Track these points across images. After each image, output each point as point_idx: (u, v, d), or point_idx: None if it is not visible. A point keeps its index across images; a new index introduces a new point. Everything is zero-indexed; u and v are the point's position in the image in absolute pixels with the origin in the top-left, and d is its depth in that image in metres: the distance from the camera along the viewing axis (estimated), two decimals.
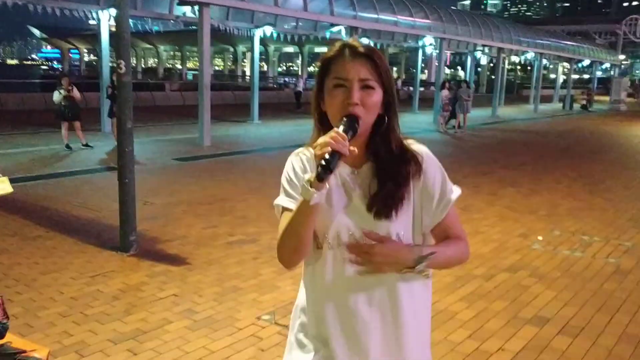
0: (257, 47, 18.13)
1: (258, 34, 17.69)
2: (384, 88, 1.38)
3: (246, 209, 7.06)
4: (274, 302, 4.24)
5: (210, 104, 13.40)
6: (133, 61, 55.43)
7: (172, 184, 8.59)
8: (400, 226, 1.41)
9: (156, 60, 68.63)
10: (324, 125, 1.42)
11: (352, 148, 1.27)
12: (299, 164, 1.47)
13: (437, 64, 24.32)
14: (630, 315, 4.21)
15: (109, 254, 5.23)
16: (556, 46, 32.79)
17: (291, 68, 74.45)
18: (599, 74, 47.78)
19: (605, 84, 48.12)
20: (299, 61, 58.21)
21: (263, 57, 50.20)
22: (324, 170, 1.24)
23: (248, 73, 40.30)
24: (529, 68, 50.44)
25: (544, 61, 34.08)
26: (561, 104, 33.42)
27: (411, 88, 28.42)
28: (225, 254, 5.31)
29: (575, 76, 50.39)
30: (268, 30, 17.78)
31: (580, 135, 18.44)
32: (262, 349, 3.52)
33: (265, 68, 58.19)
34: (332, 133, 1.25)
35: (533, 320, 4.07)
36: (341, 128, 1.30)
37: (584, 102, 33.03)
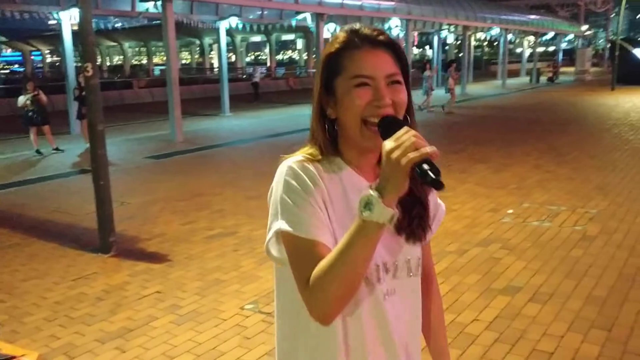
0: (224, 39, 18.03)
1: (223, 25, 17.59)
2: (407, 82, 1.17)
3: (223, 202, 7.13)
4: (257, 292, 4.36)
5: (180, 99, 13.36)
6: (98, 60, 54.53)
7: (147, 182, 8.60)
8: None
9: (122, 57, 67.56)
10: (331, 135, 1.18)
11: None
12: (308, 179, 1.11)
13: (404, 45, 24.47)
14: (595, 279, 4.43)
15: (90, 257, 5.27)
16: (520, 21, 33.23)
17: (259, 57, 73.97)
18: (564, 45, 48.54)
19: (570, 55, 48.96)
20: (267, 50, 57.85)
21: (230, 47, 49.73)
22: (437, 177, 0.95)
23: (216, 65, 40.01)
24: (495, 44, 50.99)
25: (510, 36, 34.52)
26: (528, 78, 33.97)
27: None
28: (205, 248, 5.40)
29: (541, 49, 51.10)
30: (233, 21, 17.70)
31: (547, 108, 18.82)
32: (247, 337, 3.64)
33: (233, 59, 57.75)
34: (410, 131, 0.98)
35: (505, 290, 4.26)
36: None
37: (550, 74, 33.62)
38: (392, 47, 1.14)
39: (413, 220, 1.19)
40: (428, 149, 0.95)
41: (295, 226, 1.08)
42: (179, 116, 13.14)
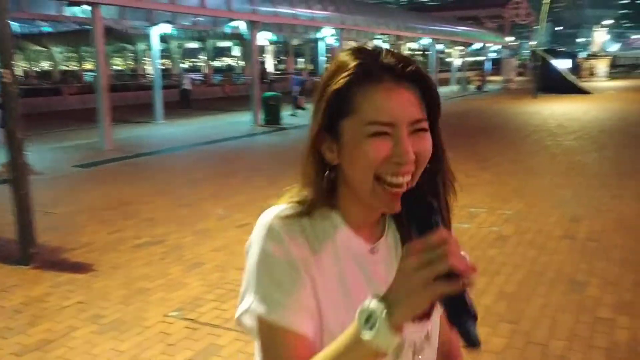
0: (157, 45, 17.76)
1: (155, 31, 17.34)
2: (435, 128, 0.90)
3: (153, 210, 7.05)
4: (183, 299, 4.37)
5: (112, 106, 13.06)
6: (24, 65, 52.16)
7: (74, 191, 8.37)
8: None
9: (51, 62, 64.96)
10: (328, 189, 0.92)
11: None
12: (291, 244, 0.87)
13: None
14: (507, 276, 4.72)
15: (10, 269, 5.11)
16: (449, 32, 34.52)
17: (196, 64, 73.02)
18: (493, 55, 50.73)
19: (498, 65, 51.21)
20: (203, 57, 57.23)
21: (166, 54, 48.85)
22: (473, 330, 0.70)
23: (150, 71, 39.20)
24: (427, 53, 52.59)
25: (440, 46, 35.76)
26: (458, 86, 35.28)
27: (317, 78, 28.93)
28: (132, 257, 5.34)
29: (471, 59, 53.14)
30: (166, 27, 17.48)
31: (474, 116, 19.65)
32: (170, 343, 3.66)
33: (170, 65, 56.71)
34: (446, 240, 0.71)
35: None
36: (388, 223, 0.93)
37: (479, 83, 35.09)
38: (422, 82, 0.86)
39: None
40: (466, 279, 0.69)
41: (270, 308, 0.84)
42: (109, 123, 12.84)
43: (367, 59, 0.86)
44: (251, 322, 0.88)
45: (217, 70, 58.40)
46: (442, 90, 32.96)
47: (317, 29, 22.60)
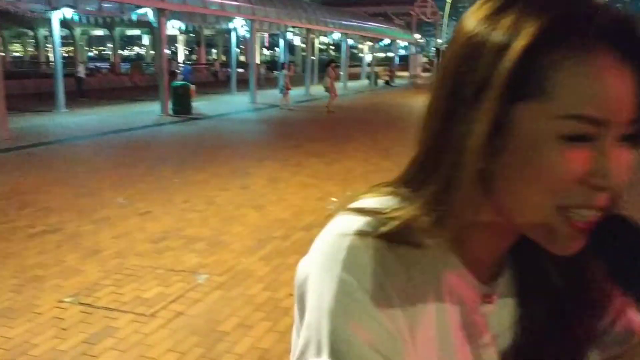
0: (58, 31, 16.86)
1: (56, 16, 16.48)
2: None
3: (50, 200, 6.82)
4: (78, 285, 4.33)
5: (9, 94, 12.32)
6: None
7: None
8: None
9: None
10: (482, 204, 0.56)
11: None
12: (384, 282, 0.54)
13: (249, 46, 24.81)
14: None
15: None
16: (359, 27, 35.31)
17: (104, 52, 69.82)
18: (402, 51, 52.39)
19: (406, 61, 53.01)
20: (111, 45, 54.80)
21: (70, 41, 46.38)
22: None
23: (52, 59, 37.08)
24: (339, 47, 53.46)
25: (350, 41, 36.52)
26: (368, 81, 36.24)
27: (229, 69, 28.65)
28: (25, 247, 5.18)
29: (382, 54, 54.64)
30: (67, 12, 16.64)
31: (380, 109, 20.33)
32: (63, 328, 3.64)
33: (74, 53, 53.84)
34: None
35: None
36: None
37: (387, 78, 36.22)
38: None
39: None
40: None
41: None
42: (4, 111, 12.11)
43: (574, 11, 0.51)
44: None
45: (127, 59, 56.18)
46: (353, 84, 33.76)
47: (229, 19, 22.41)
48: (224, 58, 52.76)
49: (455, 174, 0.54)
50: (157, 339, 3.53)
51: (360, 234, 0.55)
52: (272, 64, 51.68)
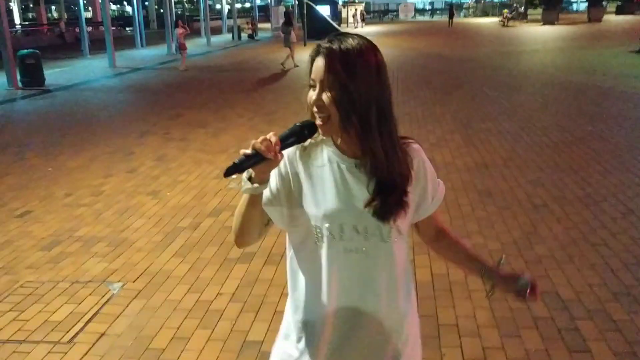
0: None
1: None
2: None
3: None
4: None
5: None
6: None
7: None
8: (398, 222, 1.40)
9: None
10: None
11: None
12: (300, 153, 1.45)
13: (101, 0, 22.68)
14: None
15: None
16: None
17: None
18: (258, 2, 51.17)
19: (265, 12, 51.96)
20: None
21: None
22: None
23: None
24: (195, 0, 50.85)
25: None
26: (230, 35, 35.09)
27: (77, 29, 26.08)
28: None
29: (239, 5, 52.92)
30: None
31: (250, 66, 19.81)
32: None
33: None
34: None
35: (241, 258, 4.45)
36: None
37: (250, 31, 35.33)
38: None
39: (377, 204, 1.35)
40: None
41: None
42: None
43: (319, 46, 1.37)
44: None
45: None
46: (216, 39, 32.52)
47: None
48: (66, 16, 47.87)
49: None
50: None
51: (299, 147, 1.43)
52: (122, 20, 47.86)
